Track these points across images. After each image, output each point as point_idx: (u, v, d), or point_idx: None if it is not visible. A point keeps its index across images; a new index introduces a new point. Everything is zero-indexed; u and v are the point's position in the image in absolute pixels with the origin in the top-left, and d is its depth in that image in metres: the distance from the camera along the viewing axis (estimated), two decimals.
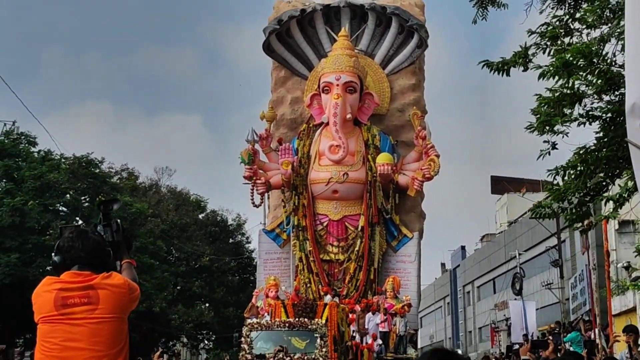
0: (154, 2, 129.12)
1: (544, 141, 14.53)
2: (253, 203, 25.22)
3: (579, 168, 14.52)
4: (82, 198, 39.56)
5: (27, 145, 38.98)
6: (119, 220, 5.41)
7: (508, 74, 14.50)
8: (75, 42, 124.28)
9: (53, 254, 5.12)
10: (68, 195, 38.64)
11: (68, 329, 4.88)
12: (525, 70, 14.28)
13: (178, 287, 53.37)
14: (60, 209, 38.64)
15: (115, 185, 42.77)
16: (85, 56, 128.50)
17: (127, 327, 5.07)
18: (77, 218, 39.24)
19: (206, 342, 58.82)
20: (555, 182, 15.01)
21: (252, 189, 25.14)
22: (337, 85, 24.98)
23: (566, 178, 14.70)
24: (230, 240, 57.80)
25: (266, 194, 25.76)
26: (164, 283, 47.42)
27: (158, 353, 20.30)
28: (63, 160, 38.89)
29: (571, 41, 14.08)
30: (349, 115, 25.01)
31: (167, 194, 58.51)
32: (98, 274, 4.97)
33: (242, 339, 20.39)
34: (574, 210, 15.31)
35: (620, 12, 12.86)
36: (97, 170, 40.21)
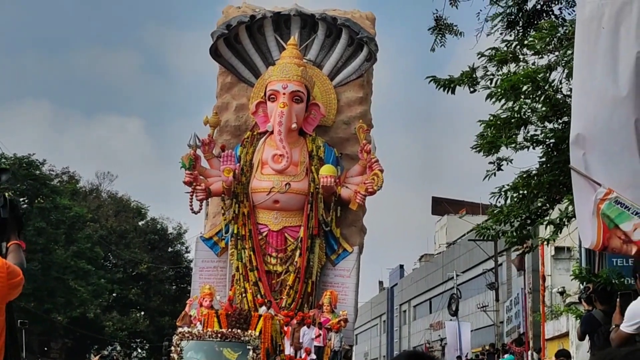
0: (96, 2, 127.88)
1: (490, 162, 14.63)
2: (192, 209, 24.78)
3: (521, 191, 14.65)
4: (21, 200, 38.76)
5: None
6: (7, 194, 4.78)
7: (453, 92, 14.54)
8: (11, 38, 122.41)
9: None
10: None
11: None
12: (473, 91, 14.39)
13: (114, 294, 52.69)
14: None
15: (55, 188, 42.05)
16: (23, 54, 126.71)
17: (4, 320, 4.28)
18: None
19: (140, 350, 57.99)
20: (498, 204, 15.06)
21: (192, 195, 24.70)
22: (284, 94, 24.72)
23: (509, 201, 14.78)
24: (170, 249, 57.21)
25: (206, 201, 25.34)
26: (100, 289, 46.78)
27: (97, 357, 19.72)
28: (3, 160, 38.07)
29: (517, 69, 14.23)
30: (294, 125, 24.76)
31: (107, 199, 57.82)
32: None
33: (172, 348, 19.94)
34: (515, 233, 15.41)
35: (567, 42, 12.99)
36: (38, 172, 39.43)
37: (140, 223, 56.52)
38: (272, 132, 25.00)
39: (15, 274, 4.26)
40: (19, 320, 39.14)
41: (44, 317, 42.49)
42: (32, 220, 37.36)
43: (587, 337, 11.01)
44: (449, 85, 14.46)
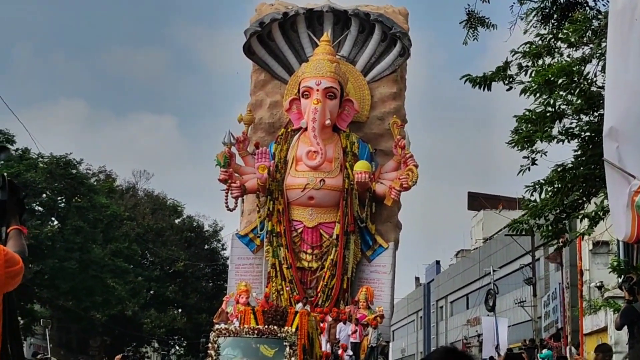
0: (126, 2, 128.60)
1: (524, 157, 14.55)
2: (227, 206, 24.90)
3: (556, 185, 14.59)
4: (59, 198, 39.14)
5: (4, 142, 38.44)
6: (6, 175, 4.31)
7: (489, 89, 14.49)
8: (44, 39, 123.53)
9: None
10: (44, 195, 38.20)
11: None
12: (509, 89, 14.37)
13: (151, 292, 53.01)
14: (36, 208, 38.18)
15: (93, 187, 42.33)
16: (56, 54, 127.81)
17: (1, 312, 3.90)
18: (53, 218, 38.83)
19: (177, 347, 58.37)
20: (532, 198, 14.99)
21: (227, 193, 24.82)
22: (317, 90, 24.74)
23: (543, 195, 14.71)
24: (206, 247, 57.45)
25: (241, 198, 25.44)
26: (138, 287, 47.08)
27: (120, 356, 19.79)
28: (40, 159, 38.44)
29: (552, 61, 14.13)
30: (327, 121, 24.77)
31: (144, 198, 58.17)
32: None
33: (209, 345, 20.03)
34: (550, 227, 15.32)
35: (602, 34, 12.87)
36: (75, 172, 39.75)
37: (176, 221, 56.83)
38: (306, 129, 25.03)
39: (14, 262, 3.88)
40: (42, 319, 39.55)
41: (83, 315, 42.89)
42: (69, 219, 37.68)
43: (625, 329, 10.94)
44: (484, 82, 14.41)
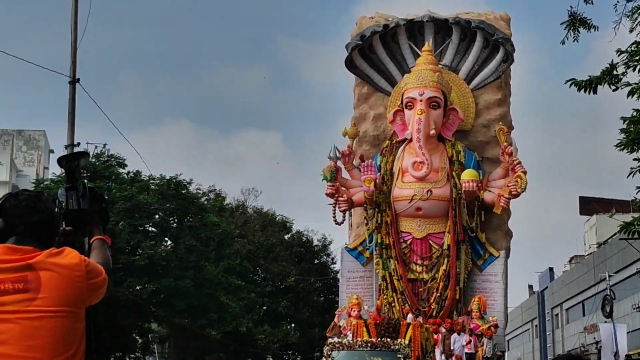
0: (225, 22, 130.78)
1: (634, 159, 14.21)
2: (335, 220, 25.01)
3: None
4: (171, 219, 39.92)
5: (116, 166, 39.55)
6: (86, 182, 4.09)
7: (595, 92, 14.20)
8: (149, 63, 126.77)
9: None
10: (157, 216, 39.03)
11: None
12: (615, 89, 14.06)
13: (264, 308, 53.55)
14: (149, 229, 39.05)
15: (203, 206, 43.04)
16: (160, 77, 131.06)
17: (83, 327, 3.64)
18: (166, 238, 39.66)
19: None
20: None
21: (334, 207, 24.93)
22: (421, 100, 24.66)
23: None
24: (316, 261, 57.74)
25: (348, 212, 25.51)
26: (251, 303, 47.62)
27: None
28: (152, 181, 39.33)
29: None
30: (432, 131, 24.65)
31: (253, 215, 58.88)
32: (44, 250, 3.58)
33: (323, 359, 20.14)
34: None
35: None
36: (186, 192, 40.51)
37: (286, 236, 57.32)
38: (411, 140, 24.96)
39: (96, 273, 3.68)
40: (150, 335, 40.33)
41: (199, 332, 43.66)
42: (182, 238, 38.41)
43: None
44: (589, 86, 14.14)
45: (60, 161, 3.90)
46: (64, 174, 3.93)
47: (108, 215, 4.10)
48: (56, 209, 3.81)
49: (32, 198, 3.69)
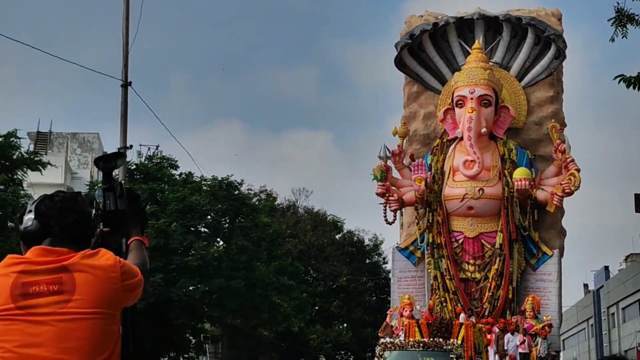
0: (275, 22, 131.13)
1: None
2: (386, 220, 24.96)
3: None
4: (223, 219, 40.13)
5: (168, 168, 39.89)
6: (123, 182, 4.06)
7: None
8: (198, 63, 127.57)
9: (25, 216, 3.68)
10: (209, 217, 39.26)
11: (28, 329, 3.43)
12: None
13: (316, 308, 53.57)
14: (201, 230, 39.31)
15: (255, 207, 43.21)
16: (210, 78, 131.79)
17: (119, 329, 3.61)
18: (218, 239, 39.90)
19: None
20: None
21: (385, 206, 24.88)
22: (471, 98, 24.49)
23: None
24: (367, 261, 57.64)
25: (399, 211, 25.44)
26: (303, 304, 47.64)
27: None
28: (203, 182, 39.59)
29: None
30: (483, 129, 24.46)
31: (304, 215, 58.98)
32: (79, 251, 3.55)
33: (376, 359, 20.09)
34: None
35: None
36: (237, 192, 40.70)
37: (337, 236, 57.28)
38: (461, 138, 24.80)
39: (131, 275, 3.61)
40: (201, 334, 40.54)
41: (251, 332, 43.82)
42: (234, 239, 38.60)
43: None
44: (638, 82, 13.88)
45: (97, 162, 3.86)
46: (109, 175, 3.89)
47: (146, 216, 4.04)
48: (93, 210, 3.78)
49: (68, 199, 3.66)
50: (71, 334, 3.42)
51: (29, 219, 3.62)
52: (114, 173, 3.84)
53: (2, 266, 3.53)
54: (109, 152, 3.86)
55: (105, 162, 3.86)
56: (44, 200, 3.65)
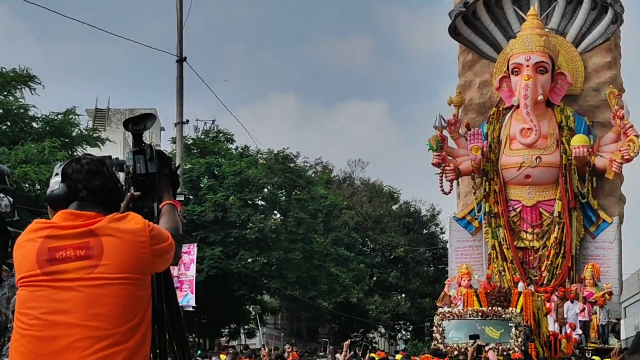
0: None
1: None
2: (442, 190, 24.94)
3: None
4: (279, 192, 40.38)
5: (225, 142, 40.21)
6: (153, 144, 3.89)
7: None
8: (252, 37, 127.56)
9: (52, 179, 3.53)
10: (266, 190, 39.54)
11: (55, 295, 3.30)
12: None
13: (374, 278, 53.75)
14: (259, 203, 39.60)
15: (311, 179, 43.40)
16: (265, 51, 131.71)
17: (149, 295, 3.45)
18: (275, 212, 40.16)
19: (403, 332, 58.91)
20: None
21: (441, 176, 24.84)
22: (527, 66, 24.25)
23: None
24: (424, 231, 57.55)
25: (456, 181, 25.37)
26: (360, 274, 47.82)
27: (347, 342, 20.23)
28: (259, 155, 39.83)
29: None
30: (540, 97, 24.23)
31: (360, 186, 59.02)
32: (107, 215, 3.40)
33: (434, 328, 20.14)
34: None
35: None
36: (293, 165, 40.88)
37: (393, 207, 57.26)
38: (518, 106, 24.61)
39: (161, 239, 3.43)
40: (252, 306, 40.82)
41: (310, 303, 44.17)
42: (291, 211, 38.84)
43: None
44: None
45: (126, 124, 3.71)
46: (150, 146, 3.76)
47: (178, 179, 3.90)
48: (122, 174, 3.67)
49: (95, 162, 3.51)
50: (99, 300, 3.28)
51: (55, 182, 3.47)
52: (143, 136, 3.72)
53: (28, 231, 3.40)
54: (147, 117, 3.71)
55: (135, 124, 3.72)
56: (71, 163, 3.51)
